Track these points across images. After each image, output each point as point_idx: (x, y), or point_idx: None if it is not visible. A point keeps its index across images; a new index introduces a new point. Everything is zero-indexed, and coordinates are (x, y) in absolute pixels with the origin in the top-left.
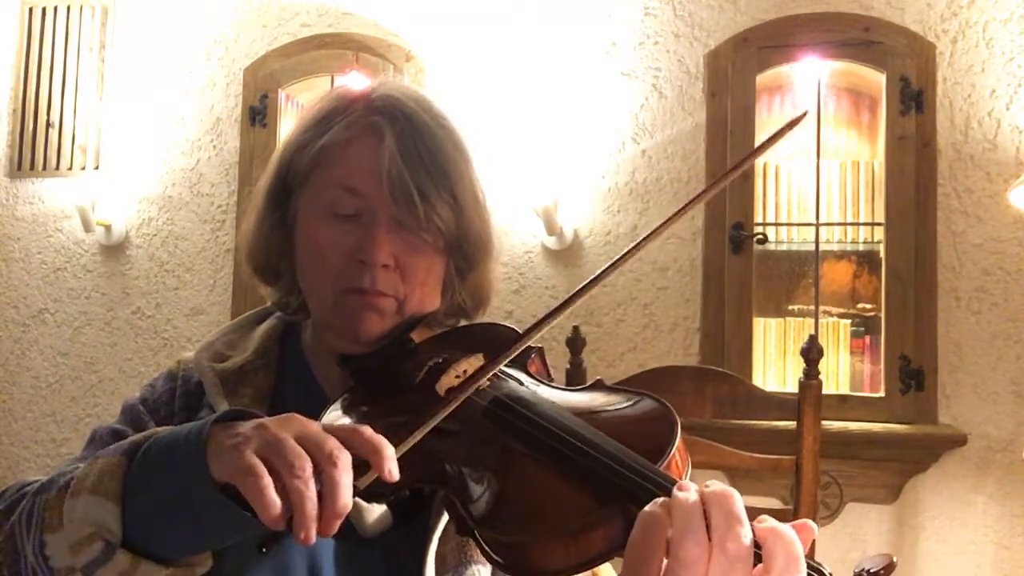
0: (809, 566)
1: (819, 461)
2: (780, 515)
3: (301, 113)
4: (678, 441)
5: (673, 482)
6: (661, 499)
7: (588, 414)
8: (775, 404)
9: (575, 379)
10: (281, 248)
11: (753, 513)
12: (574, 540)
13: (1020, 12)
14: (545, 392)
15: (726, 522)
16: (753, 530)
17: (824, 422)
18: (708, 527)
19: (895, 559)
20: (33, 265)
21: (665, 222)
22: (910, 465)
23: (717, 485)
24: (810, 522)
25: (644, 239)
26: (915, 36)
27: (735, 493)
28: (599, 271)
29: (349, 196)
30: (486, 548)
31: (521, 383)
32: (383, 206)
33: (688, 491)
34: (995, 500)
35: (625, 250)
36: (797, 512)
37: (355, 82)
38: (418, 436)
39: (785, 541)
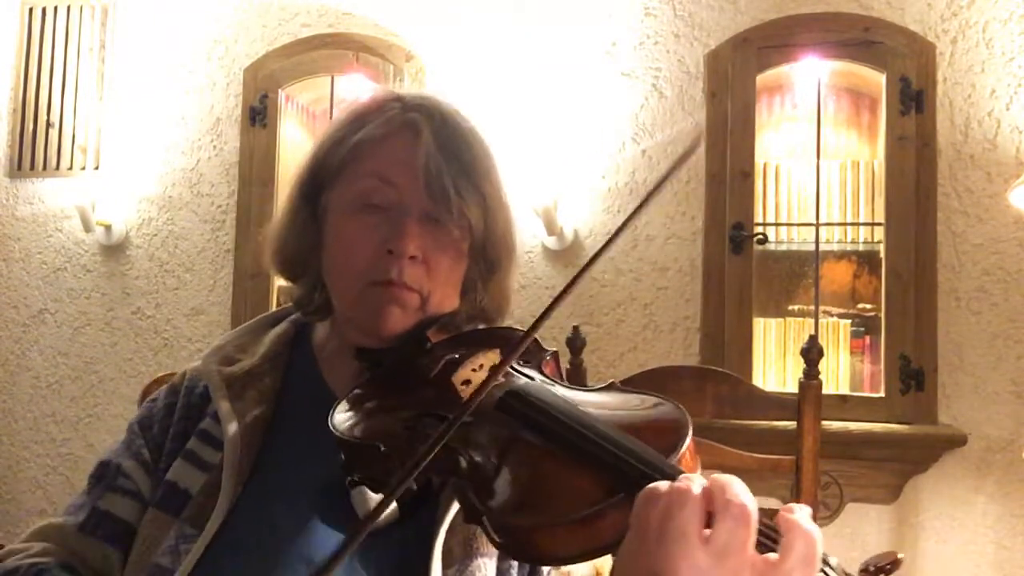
0: (824, 561)
1: (819, 461)
2: None
3: (335, 115)
4: (689, 441)
5: (682, 474)
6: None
7: (605, 410)
8: (775, 404)
9: (575, 379)
10: (311, 243)
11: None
12: (582, 527)
13: (1020, 12)
14: (559, 389)
15: (724, 504)
16: (774, 520)
17: (824, 422)
18: (709, 512)
19: (901, 556)
20: (33, 265)
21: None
22: (910, 465)
23: (724, 477)
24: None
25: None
26: (915, 36)
27: (736, 481)
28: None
29: (384, 187)
30: (492, 534)
31: (533, 380)
32: (415, 199)
33: (690, 481)
34: (995, 500)
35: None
36: None
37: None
38: (445, 438)
39: (807, 539)
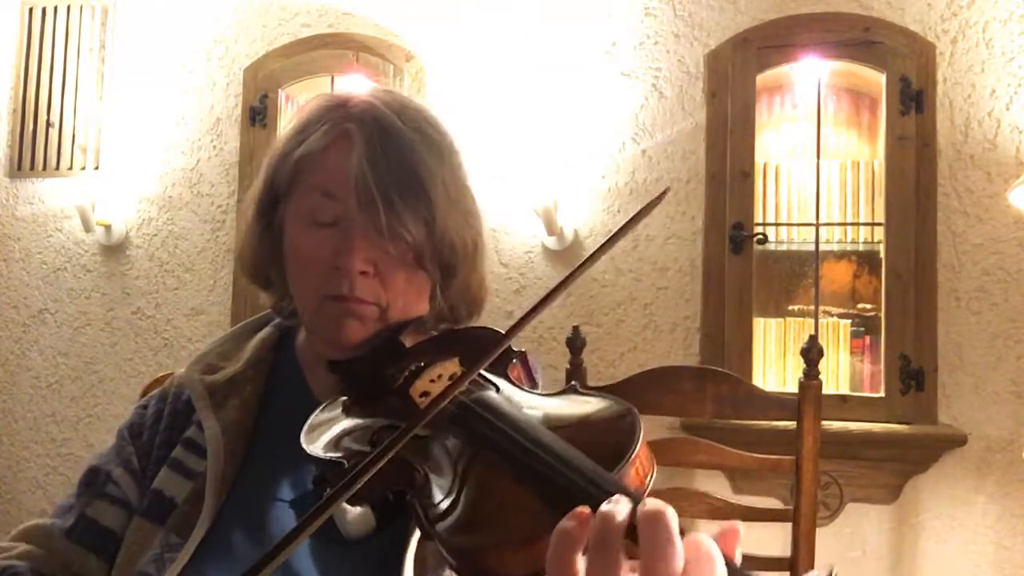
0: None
1: (819, 461)
2: (780, 515)
3: (287, 123)
4: (638, 447)
5: (623, 489)
6: (580, 511)
7: (554, 420)
8: (775, 404)
9: (574, 379)
10: (271, 256)
11: (754, 515)
12: (526, 547)
13: (1020, 12)
14: (517, 398)
15: (653, 542)
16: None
17: (824, 422)
18: (636, 545)
19: (835, 570)
20: (33, 265)
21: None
22: (910, 465)
23: (652, 503)
24: (737, 524)
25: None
26: (915, 36)
27: (669, 511)
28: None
29: (329, 202)
30: (445, 553)
31: (498, 388)
32: (357, 212)
33: (616, 506)
34: (995, 500)
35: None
36: (797, 512)
37: (347, 85)
38: (395, 449)
39: (704, 561)
